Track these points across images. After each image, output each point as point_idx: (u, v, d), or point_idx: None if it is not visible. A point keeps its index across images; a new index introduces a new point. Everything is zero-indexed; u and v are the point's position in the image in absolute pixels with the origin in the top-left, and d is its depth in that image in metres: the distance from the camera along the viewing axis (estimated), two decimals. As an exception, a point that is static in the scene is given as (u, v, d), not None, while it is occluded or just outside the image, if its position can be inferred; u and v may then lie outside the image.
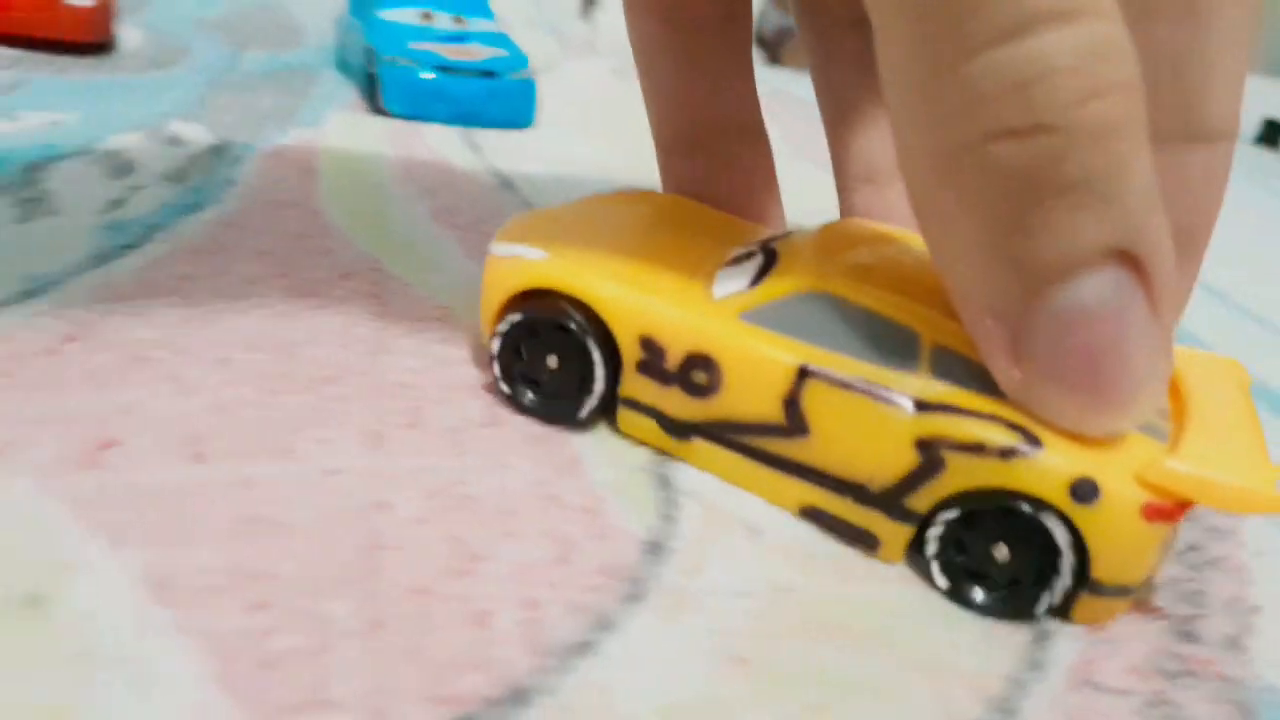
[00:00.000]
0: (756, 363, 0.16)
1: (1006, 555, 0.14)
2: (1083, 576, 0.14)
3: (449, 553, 0.14)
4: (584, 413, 0.17)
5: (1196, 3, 0.14)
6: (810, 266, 0.16)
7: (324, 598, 0.12)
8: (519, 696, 0.11)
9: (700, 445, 0.17)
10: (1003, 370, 0.14)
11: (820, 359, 0.15)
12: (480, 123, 0.38)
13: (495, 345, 0.18)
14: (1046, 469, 0.14)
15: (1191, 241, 0.15)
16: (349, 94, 0.40)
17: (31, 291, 0.19)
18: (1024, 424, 0.14)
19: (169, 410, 0.16)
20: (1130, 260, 0.13)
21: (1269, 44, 1.16)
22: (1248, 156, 0.69)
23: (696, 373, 0.16)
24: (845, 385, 0.15)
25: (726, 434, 0.16)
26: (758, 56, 0.74)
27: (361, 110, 0.38)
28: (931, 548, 0.15)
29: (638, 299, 0.16)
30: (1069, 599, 0.14)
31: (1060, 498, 0.14)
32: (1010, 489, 0.14)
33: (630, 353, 0.17)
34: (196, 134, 0.31)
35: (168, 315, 0.19)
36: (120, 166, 0.27)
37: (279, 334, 0.19)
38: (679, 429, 0.17)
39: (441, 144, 0.35)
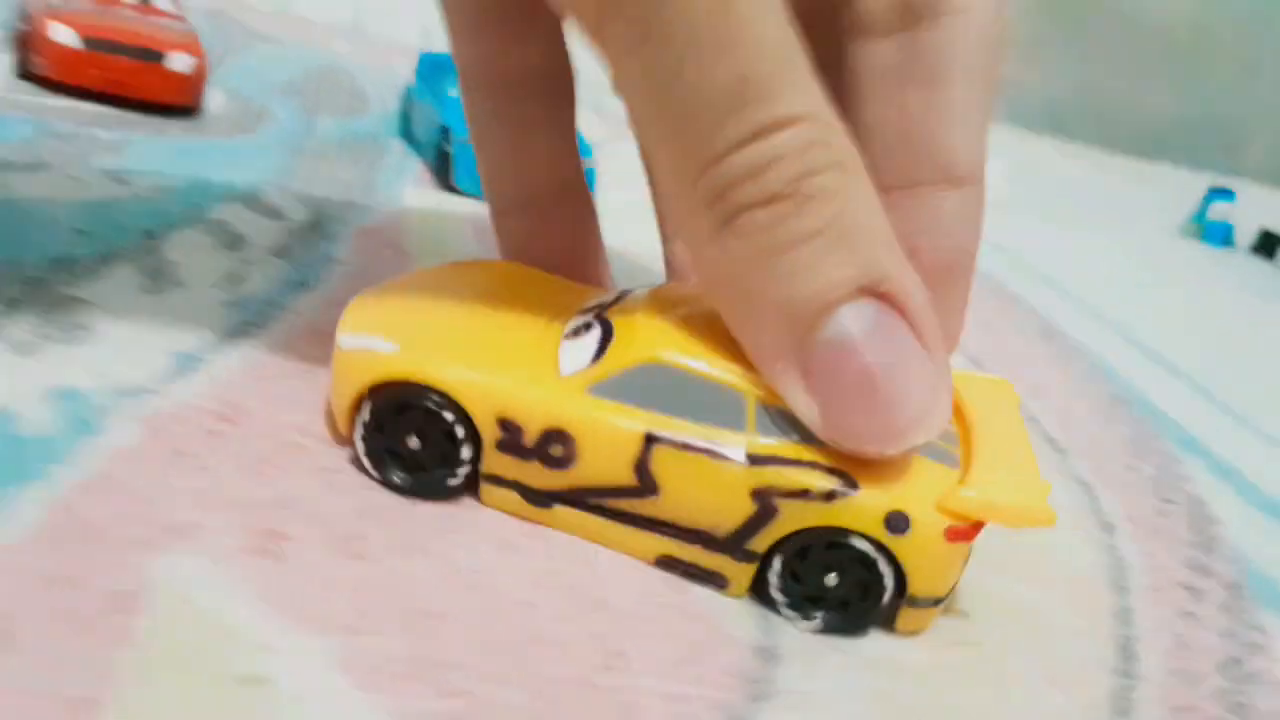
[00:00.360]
0: (607, 434, 0.17)
1: (836, 580, 0.17)
2: (901, 593, 0.17)
3: (595, 649, 0.15)
4: (452, 485, 0.18)
5: (938, 71, 0.18)
6: (645, 338, 0.18)
7: (502, 686, 0.14)
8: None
9: (561, 511, 0.18)
10: (803, 409, 0.16)
11: (662, 424, 0.17)
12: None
13: (358, 435, 0.18)
14: (863, 507, 0.17)
15: (954, 273, 0.19)
16: (416, 166, 0.42)
17: (182, 369, 0.21)
18: (841, 467, 0.17)
19: (328, 508, 0.18)
20: (879, 294, 0.16)
21: (1263, 155, 1.21)
22: (1243, 265, 0.73)
23: (554, 446, 0.18)
24: (686, 447, 0.17)
25: (585, 499, 0.18)
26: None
27: (431, 184, 0.40)
28: (774, 581, 0.17)
29: (492, 383, 0.18)
30: (892, 613, 0.17)
31: (877, 530, 0.17)
32: (835, 526, 0.17)
33: (489, 433, 0.18)
34: (292, 206, 0.33)
35: (309, 400, 0.21)
36: (231, 239, 0.29)
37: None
38: (540, 498, 0.18)
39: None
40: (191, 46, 0.40)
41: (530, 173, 0.25)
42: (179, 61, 0.39)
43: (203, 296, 0.25)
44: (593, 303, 0.21)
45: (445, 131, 0.40)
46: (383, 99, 0.52)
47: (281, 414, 0.20)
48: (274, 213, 0.32)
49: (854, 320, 0.16)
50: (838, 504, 0.17)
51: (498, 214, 0.25)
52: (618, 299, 0.20)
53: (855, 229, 0.16)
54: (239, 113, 0.42)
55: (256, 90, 0.47)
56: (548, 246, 0.24)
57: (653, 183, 0.25)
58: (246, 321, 0.24)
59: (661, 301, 0.19)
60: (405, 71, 0.56)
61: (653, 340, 0.18)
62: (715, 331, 0.18)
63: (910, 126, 0.19)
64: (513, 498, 0.18)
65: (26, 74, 0.38)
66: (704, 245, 0.16)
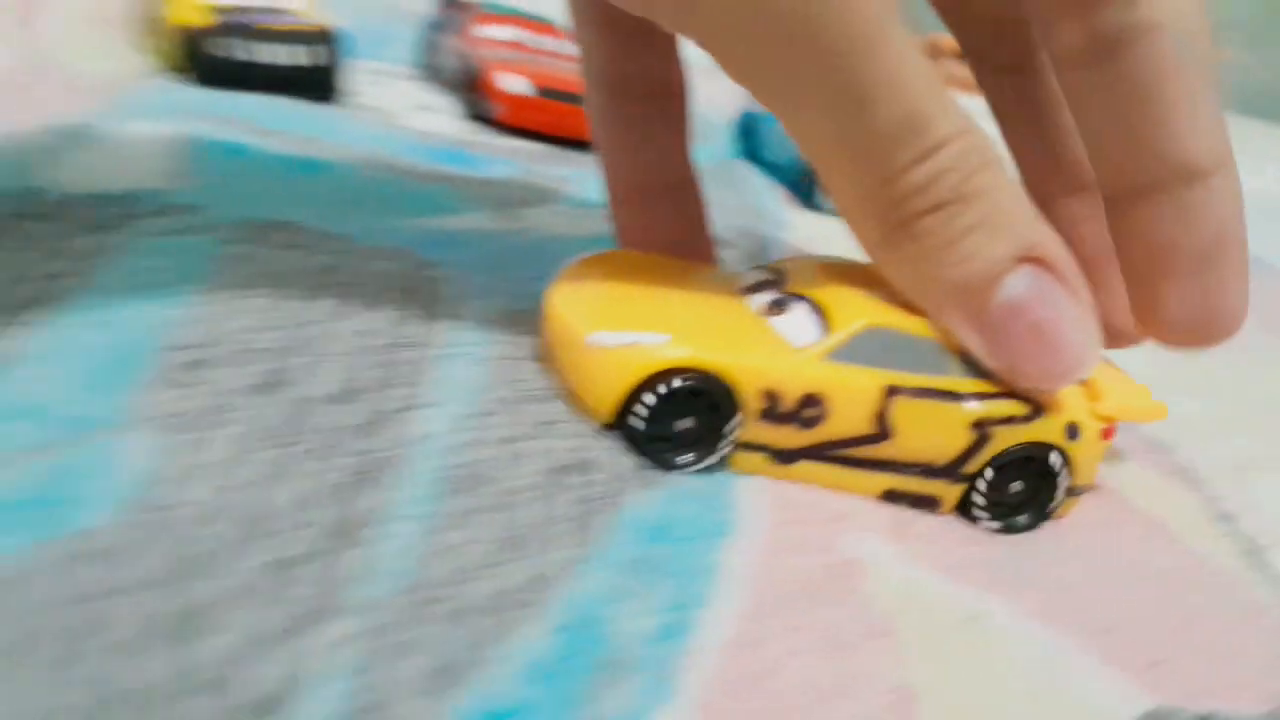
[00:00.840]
0: (854, 392, 0.21)
1: (1020, 486, 0.22)
2: (1069, 488, 0.22)
3: None
4: (721, 457, 0.21)
5: (1150, 90, 0.20)
6: (851, 308, 0.21)
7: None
8: None
9: (803, 465, 0.21)
10: (987, 363, 0.21)
11: (898, 379, 0.21)
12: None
13: (637, 423, 0.20)
14: (1051, 423, 0.22)
15: (1218, 253, 0.21)
16: (772, 188, 0.48)
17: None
18: (1027, 396, 0.21)
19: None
20: (1034, 261, 0.19)
21: None
22: None
23: (808, 410, 0.20)
24: (921, 393, 0.21)
25: (826, 451, 0.21)
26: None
27: (797, 205, 0.46)
28: (978, 497, 0.22)
29: (756, 361, 0.20)
30: (1057, 505, 0.23)
31: (1062, 440, 0.22)
32: (1034, 441, 0.22)
33: (754, 405, 0.20)
34: (734, 237, 0.39)
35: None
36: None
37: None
38: (786, 456, 0.21)
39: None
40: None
41: (643, 166, 0.27)
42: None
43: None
44: (752, 280, 0.23)
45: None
46: (718, 122, 0.57)
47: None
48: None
49: (1016, 285, 0.19)
50: (1034, 424, 0.21)
51: (613, 203, 0.28)
52: (775, 276, 0.23)
53: (1007, 213, 0.19)
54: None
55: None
56: (659, 235, 0.27)
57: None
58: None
59: (832, 273, 0.22)
60: (726, 96, 0.63)
61: (860, 308, 0.21)
62: (893, 293, 0.21)
63: (1134, 137, 0.20)
64: (759, 459, 0.21)
65: (475, 116, 0.46)
66: (878, 248, 0.20)
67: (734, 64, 0.19)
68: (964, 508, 0.22)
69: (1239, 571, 0.24)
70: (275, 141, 0.35)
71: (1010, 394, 0.21)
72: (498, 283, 0.27)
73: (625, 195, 0.28)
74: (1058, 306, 0.20)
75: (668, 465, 0.20)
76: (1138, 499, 0.26)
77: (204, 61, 0.39)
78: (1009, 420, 0.21)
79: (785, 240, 0.40)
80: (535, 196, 0.38)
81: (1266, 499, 0.28)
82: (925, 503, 0.22)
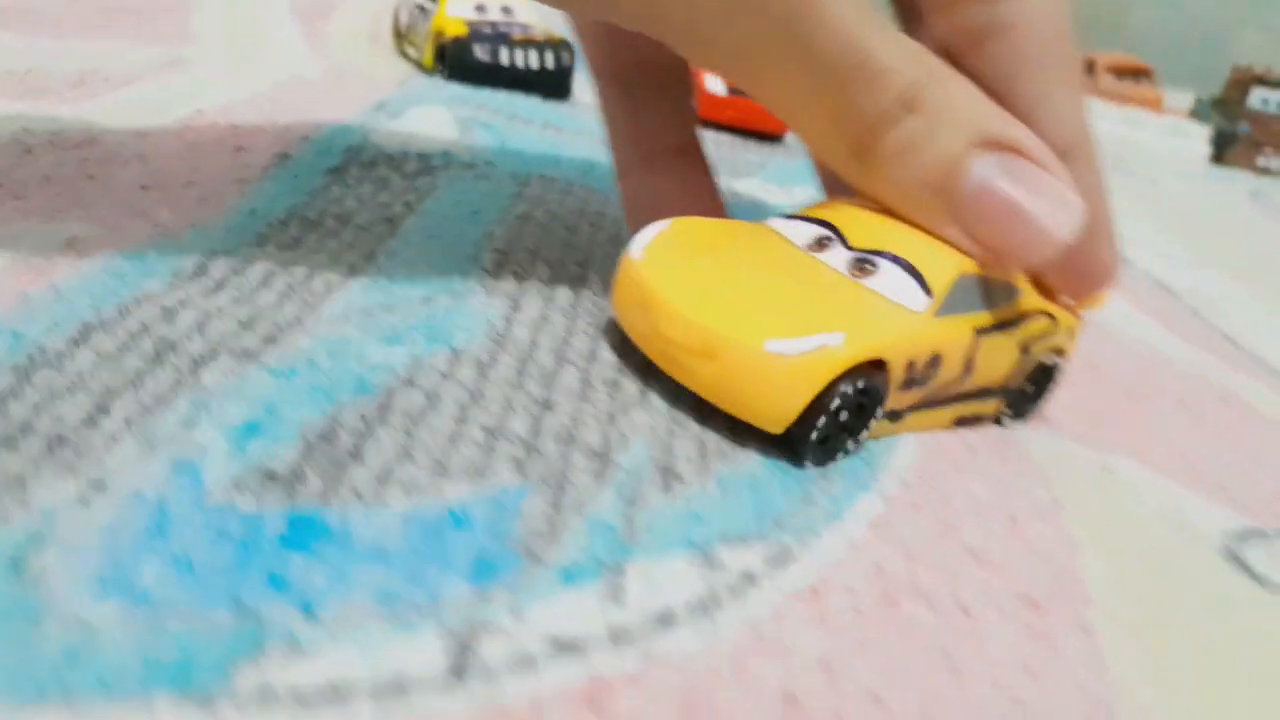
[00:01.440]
0: (959, 344, 0.21)
1: (1031, 383, 0.24)
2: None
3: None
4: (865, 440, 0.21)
5: (1012, 72, 0.21)
6: (935, 259, 0.21)
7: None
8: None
9: (909, 418, 0.21)
10: (978, 253, 0.21)
11: (981, 321, 0.21)
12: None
13: (823, 425, 0.19)
14: (1062, 330, 0.24)
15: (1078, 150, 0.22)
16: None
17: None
18: (1045, 309, 0.23)
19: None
20: (996, 144, 0.20)
21: None
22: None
23: (931, 370, 0.21)
24: (996, 329, 0.22)
25: (929, 400, 0.21)
26: (1205, 154, 0.81)
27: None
28: (1007, 408, 0.24)
29: (901, 337, 0.20)
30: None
31: (1069, 345, 0.25)
32: (1054, 350, 0.24)
33: (898, 377, 0.20)
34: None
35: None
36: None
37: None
38: (897, 415, 0.21)
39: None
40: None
41: (647, 140, 0.28)
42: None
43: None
44: (809, 237, 0.22)
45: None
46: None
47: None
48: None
49: (982, 168, 0.20)
50: (1055, 335, 0.24)
51: (619, 177, 0.28)
52: (826, 228, 0.22)
53: (960, 110, 0.20)
54: (798, 141, 0.56)
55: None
56: (664, 202, 0.27)
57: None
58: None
59: (884, 220, 0.21)
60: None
61: (943, 258, 0.21)
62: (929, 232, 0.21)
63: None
64: (880, 425, 0.21)
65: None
66: (860, 178, 0.21)
67: (697, 51, 0.21)
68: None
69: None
70: (526, 126, 0.43)
71: (1040, 310, 0.23)
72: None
73: (625, 168, 0.28)
74: (1028, 182, 0.20)
75: (829, 460, 0.20)
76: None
77: (463, 64, 0.47)
78: (1042, 336, 0.23)
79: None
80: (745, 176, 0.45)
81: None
82: (982, 419, 0.24)
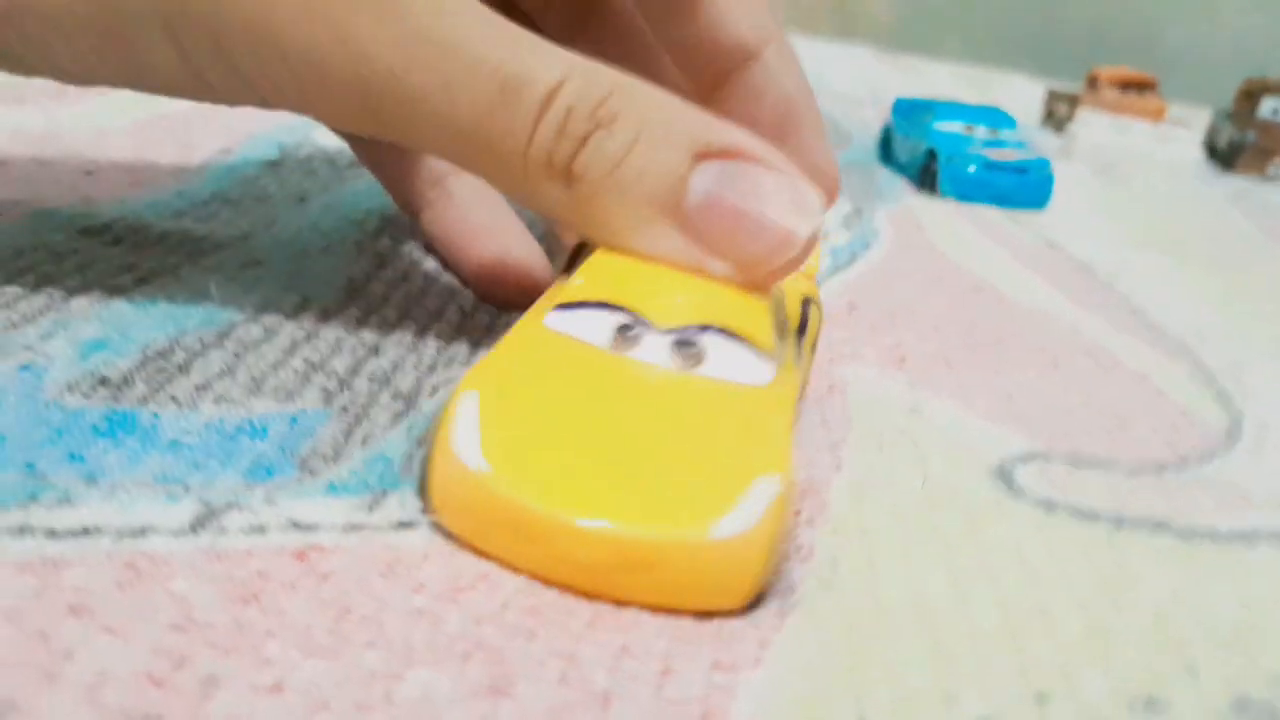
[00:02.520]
0: (797, 384, 0.21)
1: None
2: None
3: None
4: None
5: None
6: (755, 313, 0.19)
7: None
8: None
9: None
10: (716, 269, 0.19)
11: (790, 351, 0.21)
12: (1010, 205, 0.51)
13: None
14: (814, 294, 0.23)
15: (795, 117, 0.23)
16: (900, 181, 0.55)
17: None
18: (803, 293, 0.22)
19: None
20: (715, 153, 0.18)
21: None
22: None
23: None
24: (799, 347, 0.22)
25: None
26: (1212, 166, 0.80)
27: (915, 192, 0.52)
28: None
29: (787, 425, 0.18)
30: None
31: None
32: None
33: None
34: (838, 202, 0.47)
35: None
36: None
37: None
38: None
39: (991, 218, 0.48)
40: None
41: (420, 174, 0.26)
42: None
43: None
44: (612, 330, 0.18)
45: (931, 153, 0.52)
46: (859, 136, 0.65)
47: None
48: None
49: (702, 180, 0.18)
50: (817, 308, 0.23)
51: (417, 212, 0.27)
52: (624, 314, 0.18)
53: (664, 121, 0.19)
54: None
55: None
56: (459, 220, 0.26)
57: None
58: (843, 262, 0.38)
59: (664, 281, 0.19)
60: (871, 114, 0.70)
61: (748, 304, 0.19)
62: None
63: (694, 31, 0.22)
64: None
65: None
66: (565, 209, 0.19)
67: (344, 122, 0.20)
68: None
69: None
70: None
71: (802, 295, 0.22)
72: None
73: (419, 197, 0.27)
74: (755, 186, 0.19)
75: None
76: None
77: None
78: (817, 318, 0.23)
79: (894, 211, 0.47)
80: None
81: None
82: None
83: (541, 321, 0.19)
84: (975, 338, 0.32)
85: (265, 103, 0.19)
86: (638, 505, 0.16)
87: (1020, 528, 0.20)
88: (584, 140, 0.18)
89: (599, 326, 0.18)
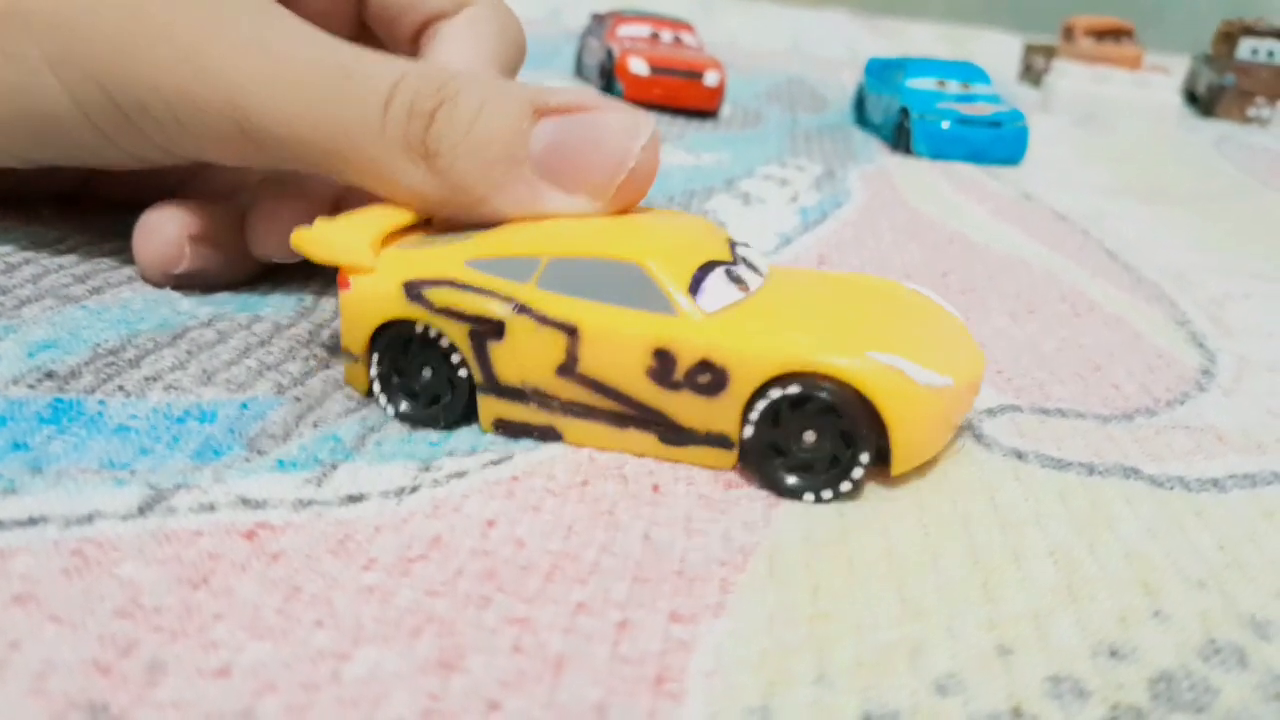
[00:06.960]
0: None
1: None
2: None
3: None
4: None
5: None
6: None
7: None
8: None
9: None
10: (574, 205, 0.21)
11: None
12: (985, 161, 0.50)
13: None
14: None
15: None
16: (875, 142, 0.54)
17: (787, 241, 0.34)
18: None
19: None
20: (546, 110, 0.21)
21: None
22: None
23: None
24: None
25: None
26: (1192, 111, 0.80)
27: (890, 152, 0.52)
28: None
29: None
30: None
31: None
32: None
33: None
34: (807, 165, 0.46)
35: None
36: (760, 193, 0.43)
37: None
38: None
39: (966, 174, 0.48)
40: (718, 66, 0.55)
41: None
42: (712, 78, 0.54)
43: (780, 212, 0.38)
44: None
45: (904, 111, 0.52)
46: (835, 99, 0.65)
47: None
48: (797, 168, 0.46)
49: (543, 130, 0.21)
50: None
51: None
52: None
53: (500, 89, 0.21)
54: (741, 115, 0.57)
55: (747, 100, 0.62)
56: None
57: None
58: (814, 220, 0.37)
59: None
60: (848, 77, 0.69)
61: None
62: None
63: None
64: None
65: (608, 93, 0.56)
66: (430, 185, 0.21)
67: (226, 153, 0.22)
68: None
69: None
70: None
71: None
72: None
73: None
74: (587, 123, 0.21)
75: None
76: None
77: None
78: None
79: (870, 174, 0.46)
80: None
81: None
82: None
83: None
84: (948, 285, 0.32)
85: (165, 150, 0.22)
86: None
87: (991, 476, 0.20)
88: (433, 115, 0.21)
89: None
